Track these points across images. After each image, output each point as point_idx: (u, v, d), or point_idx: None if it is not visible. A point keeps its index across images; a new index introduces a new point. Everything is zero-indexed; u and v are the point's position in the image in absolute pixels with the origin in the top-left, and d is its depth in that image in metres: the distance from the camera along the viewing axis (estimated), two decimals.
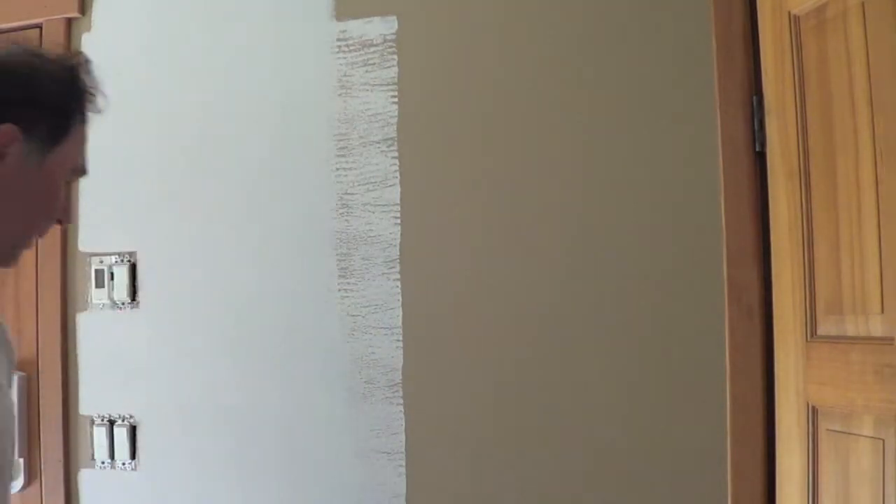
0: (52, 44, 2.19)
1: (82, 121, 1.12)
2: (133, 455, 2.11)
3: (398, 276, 1.94)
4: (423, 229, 1.93)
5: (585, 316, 1.82)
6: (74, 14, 2.19)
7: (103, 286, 2.13)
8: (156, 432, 2.09)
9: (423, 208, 1.94)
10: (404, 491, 1.91)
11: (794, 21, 1.61)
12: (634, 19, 1.83)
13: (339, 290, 1.98)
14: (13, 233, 1.09)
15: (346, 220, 1.98)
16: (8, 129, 1.02)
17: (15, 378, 1.21)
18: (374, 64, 1.99)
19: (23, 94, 1.04)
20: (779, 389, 1.67)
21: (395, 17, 1.97)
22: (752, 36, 1.73)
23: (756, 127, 1.72)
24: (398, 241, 1.95)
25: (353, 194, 1.98)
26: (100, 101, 1.13)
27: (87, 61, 1.12)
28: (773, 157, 1.68)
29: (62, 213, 1.13)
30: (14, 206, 1.06)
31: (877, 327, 1.42)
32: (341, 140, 2.00)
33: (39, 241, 2.14)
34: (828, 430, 1.53)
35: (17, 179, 1.05)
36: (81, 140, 1.13)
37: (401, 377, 1.93)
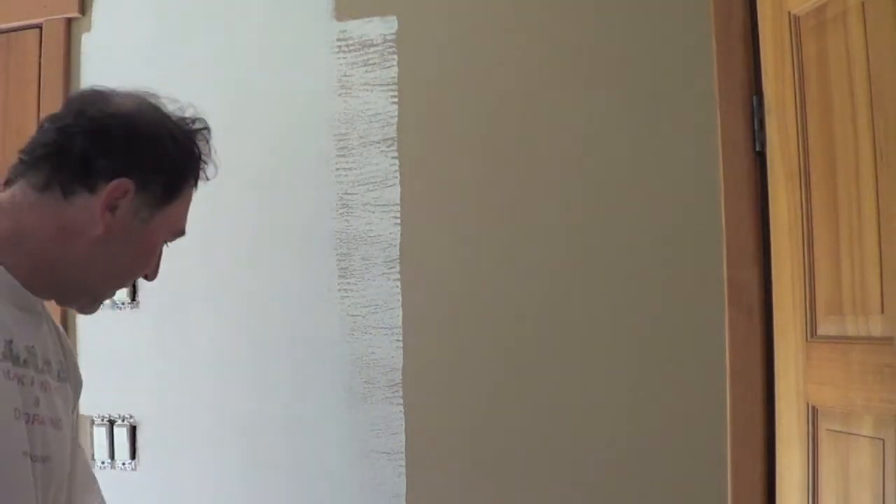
0: (52, 44, 2.20)
1: (194, 185, 1.16)
2: (133, 455, 2.11)
3: (398, 276, 1.94)
4: (423, 229, 1.93)
5: (585, 316, 1.82)
6: (74, 14, 2.19)
7: None
8: (156, 432, 2.09)
9: (423, 208, 1.94)
10: (404, 491, 1.91)
11: (794, 21, 1.61)
12: (634, 19, 1.83)
13: (339, 290, 1.98)
14: (106, 281, 1.13)
15: (346, 220, 1.98)
16: (124, 183, 1.06)
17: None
18: (374, 64, 1.99)
19: (146, 153, 1.08)
20: (779, 389, 1.67)
21: (395, 17, 1.97)
22: (752, 36, 1.73)
23: (756, 127, 1.72)
24: (398, 241, 1.95)
25: (353, 194, 1.98)
26: (211, 169, 1.17)
27: (207, 128, 1.17)
28: (773, 157, 1.68)
29: (151, 270, 1.17)
30: (115, 257, 1.10)
31: (877, 327, 1.42)
32: (341, 140, 2.00)
33: None
34: (828, 430, 1.53)
35: (124, 232, 1.08)
36: (188, 204, 1.16)
37: (401, 377, 1.93)
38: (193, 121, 1.15)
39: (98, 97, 1.11)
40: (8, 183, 1.10)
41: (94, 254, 1.08)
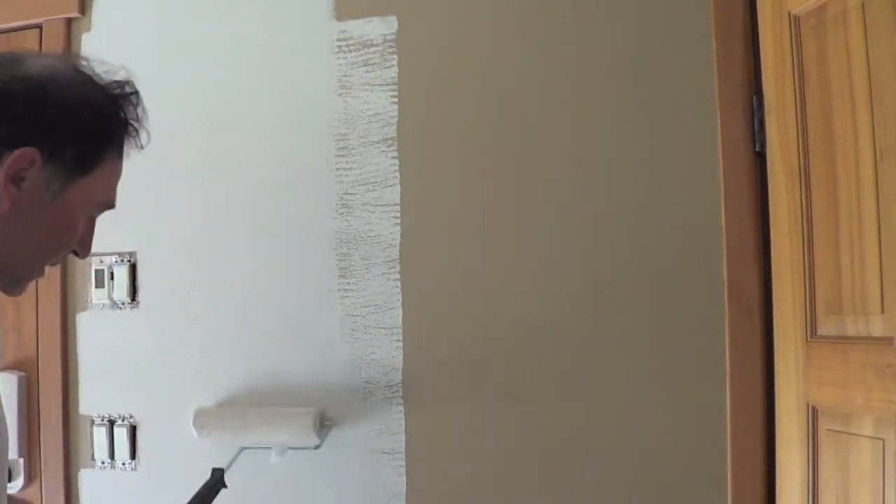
0: (52, 44, 2.20)
1: (118, 154, 1.06)
2: (133, 455, 2.11)
3: (398, 276, 1.94)
4: (423, 229, 1.93)
5: (585, 316, 1.82)
6: (74, 14, 2.19)
7: (103, 286, 2.13)
8: (156, 432, 2.09)
9: (423, 208, 1.94)
10: (404, 491, 1.91)
11: (794, 21, 1.61)
12: (634, 19, 1.83)
13: (339, 290, 1.98)
14: (23, 260, 1.04)
15: (346, 220, 1.98)
16: (28, 152, 0.97)
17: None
18: (374, 64, 1.99)
19: (54, 117, 0.99)
20: (779, 389, 1.67)
21: (395, 17, 1.97)
22: (752, 36, 1.73)
23: (756, 127, 1.72)
24: (398, 241, 1.95)
25: (353, 194, 1.98)
26: (143, 136, 1.08)
27: (135, 93, 1.07)
28: (773, 157, 1.68)
29: (79, 245, 1.08)
30: (27, 233, 1.01)
31: (877, 327, 1.42)
32: (341, 140, 2.00)
33: None
34: (828, 430, 1.53)
35: (34, 206, 0.99)
36: (114, 174, 1.07)
37: (401, 377, 1.93)
38: (121, 85, 1.06)
39: (10, 61, 1.01)
40: None
41: (3, 233, 0.99)
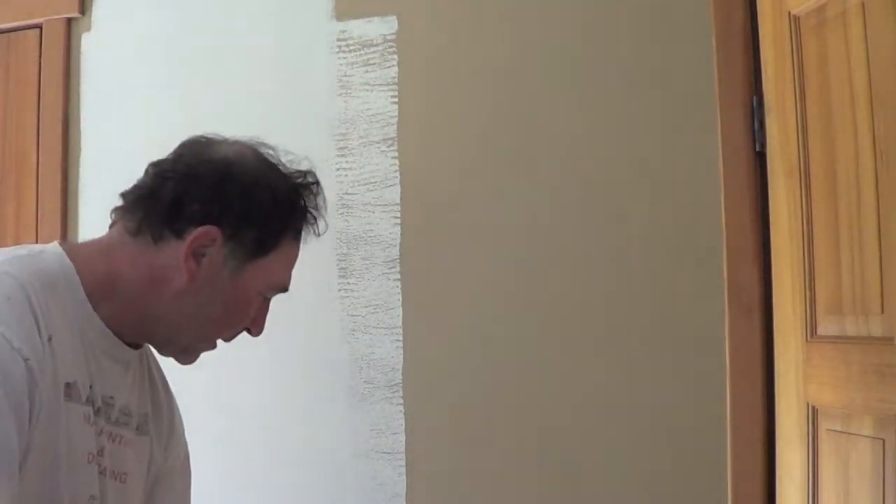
0: (52, 44, 2.20)
1: (295, 239, 1.11)
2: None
3: (398, 276, 1.94)
4: (423, 229, 1.93)
5: (585, 315, 1.82)
6: (74, 14, 2.19)
7: None
8: None
9: (423, 208, 1.94)
10: (404, 491, 1.91)
11: (794, 21, 1.61)
12: (634, 19, 1.83)
13: (339, 290, 1.98)
14: (195, 332, 1.10)
15: (346, 220, 1.98)
16: (210, 230, 1.03)
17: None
18: (374, 64, 1.99)
19: (237, 202, 1.04)
20: (779, 389, 1.67)
21: (395, 17, 1.97)
22: (752, 36, 1.73)
23: (756, 127, 1.72)
24: (398, 241, 1.95)
25: (353, 194, 1.98)
26: (321, 224, 1.13)
27: (316, 183, 1.12)
28: (773, 157, 1.68)
29: (253, 324, 1.13)
30: (201, 307, 1.07)
31: (877, 327, 1.41)
32: (341, 140, 2.00)
33: (40, 238, 2.17)
34: (828, 430, 1.53)
35: (211, 281, 1.05)
36: (290, 258, 1.12)
37: (401, 377, 1.93)
38: (303, 174, 1.11)
39: (201, 143, 1.09)
40: (112, 225, 1.08)
41: (180, 304, 1.05)
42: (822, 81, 1.54)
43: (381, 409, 1.93)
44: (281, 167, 1.11)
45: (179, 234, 1.03)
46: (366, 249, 1.97)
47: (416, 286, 1.93)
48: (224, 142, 1.10)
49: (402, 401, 1.92)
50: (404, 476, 1.91)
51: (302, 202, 1.11)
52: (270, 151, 1.12)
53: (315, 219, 1.13)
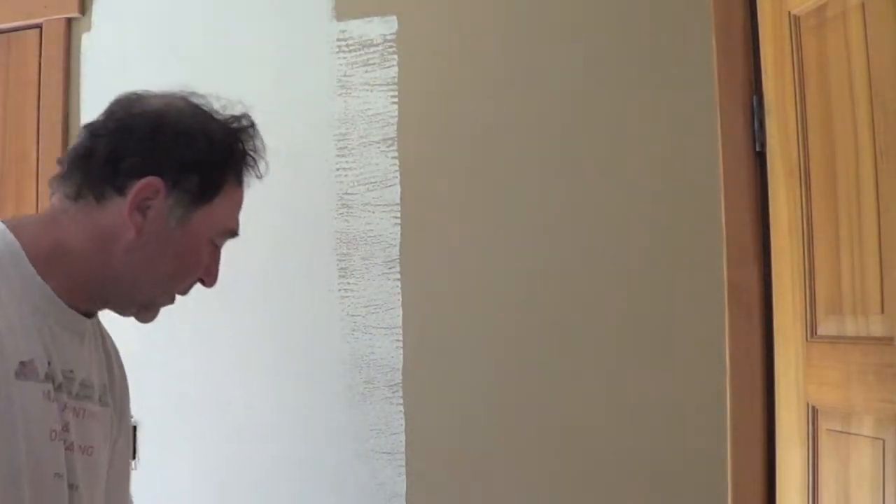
0: (52, 44, 2.20)
1: (237, 183, 1.11)
2: (133, 455, 2.10)
3: (398, 276, 1.94)
4: (423, 229, 1.93)
5: (585, 315, 1.82)
6: (74, 14, 2.19)
7: None
8: (156, 432, 2.09)
9: (423, 208, 1.94)
10: (404, 491, 1.91)
11: (794, 21, 1.61)
12: (635, 19, 1.83)
13: (339, 290, 1.98)
14: (151, 286, 1.09)
15: (346, 220, 1.98)
16: (153, 181, 1.02)
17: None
18: (374, 64, 1.99)
19: (175, 150, 1.04)
20: (779, 389, 1.67)
21: (395, 17, 1.97)
22: (752, 36, 1.73)
23: (756, 127, 1.72)
24: (398, 241, 1.95)
25: (353, 194, 1.98)
26: (261, 166, 1.13)
27: (252, 126, 1.12)
28: (773, 157, 1.68)
29: (206, 273, 1.12)
30: (153, 260, 1.06)
31: (877, 327, 1.41)
32: (341, 140, 2.00)
33: None
34: (828, 430, 1.53)
35: (159, 233, 1.04)
36: (234, 202, 1.12)
37: (401, 377, 1.93)
38: (238, 118, 1.11)
39: (131, 98, 1.08)
40: (52, 195, 1.07)
41: (132, 260, 1.04)
42: (822, 81, 1.54)
43: (381, 409, 1.93)
44: (215, 114, 1.10)
45: (121, 191, 1.02)
46: (366, 249, 1.97)
47: (416, 286, 1.93)
48: (154, 95, 1.09)
49: (402, 401, 1.92)
50: (404, 476, 1.91)
51: (240, 145, 1.10)
52: (202, 100, 1.11)
53: (255, 161, 1.12)
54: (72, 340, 1.06)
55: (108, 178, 1.02)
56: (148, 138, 1.03)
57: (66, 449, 1.02)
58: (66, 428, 1.02)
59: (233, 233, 1.14)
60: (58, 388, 1.02)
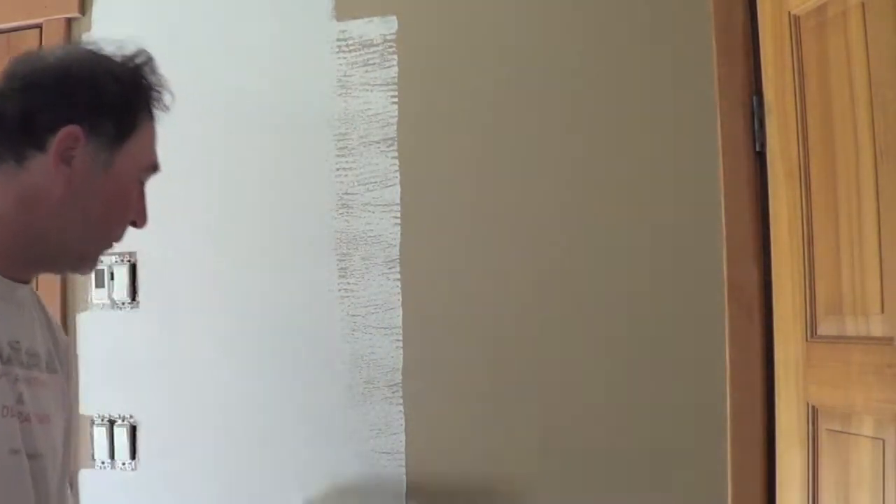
0: (52, 44, 2.20)
1: (150, 118, 1.11)
2: (133, 455, 2.11)
3: (398, 276, 1.94)
4: (423, 229, 1.93)
5: (585, 315, 1.82)
6: (74, 14, 2.19)
7: (103, 286, 2.13)
8: (156, 432, 2.09)
9: (423, 208, 1.94)
10: (404, 491, 1.91)
11: (794, 21, 1.61)
12: (634, 20, 1.83)
13: (339, 290, 1.98)
14: (86, 236, 1.08)
15: (346, 220, 1.98)
16: (72, 129, 1.01)
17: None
18: (374, 64, 1.99)
19: (86, 95, 1.04)
20: (779, 389, 1.67)
21: (395, 17, 1.97)
22: (752, 36, 1.73)
23: (756, 127, 1.72)
24: (398, 241, 1.95)
25: (353, 194, 1.98)
26: (166, 97, 1.12)
27: (150, 59, 1.11)
28: (773, 157, 1.68)
29: (136, 214, 1.12)
30: (86, 210, 1.05)
31: (877, 327, 1.42)
32: (341, 140, 2.00)
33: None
34: (828, 430, 1.53)
35: (87, 181, 1.04)
36: (150, 137, 1.12)
37: (401, 377, 1.93)
38: (136, 55, 1.10)
39: (30, 56, 1.07)
40: None
41: (64, 214, 1.03)
42: (822, 81, 1.54)
43: (381, 409, 1.94)
44: (113, 56, 1.10)
45: (41, 147, 1.01)
46: (366, 249, 1.97)
47: (416, 286, 1.93)
48: (51, 49, 1.11)
49: (402, 401, 1.92)
50: (404, 476, 1.91)
51: (144, 80, 1.10)
52: (96, 46, 1.11)
53: (160, 93, 1.12)
54: (11, 310, 1.04)
55: (26, 138, 1.02)
56: (57, 90, 1.03)
57: (24, 420, 1.01)
58: (20, 400, 1.01)
59: (155, 167, 1.13)
60: (7, 361, 1.00)
